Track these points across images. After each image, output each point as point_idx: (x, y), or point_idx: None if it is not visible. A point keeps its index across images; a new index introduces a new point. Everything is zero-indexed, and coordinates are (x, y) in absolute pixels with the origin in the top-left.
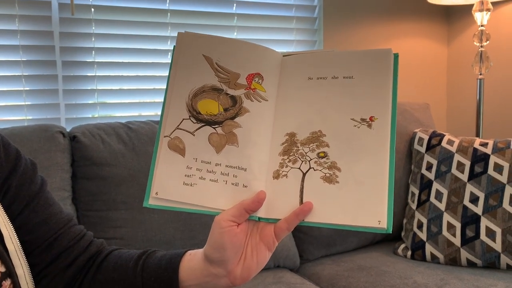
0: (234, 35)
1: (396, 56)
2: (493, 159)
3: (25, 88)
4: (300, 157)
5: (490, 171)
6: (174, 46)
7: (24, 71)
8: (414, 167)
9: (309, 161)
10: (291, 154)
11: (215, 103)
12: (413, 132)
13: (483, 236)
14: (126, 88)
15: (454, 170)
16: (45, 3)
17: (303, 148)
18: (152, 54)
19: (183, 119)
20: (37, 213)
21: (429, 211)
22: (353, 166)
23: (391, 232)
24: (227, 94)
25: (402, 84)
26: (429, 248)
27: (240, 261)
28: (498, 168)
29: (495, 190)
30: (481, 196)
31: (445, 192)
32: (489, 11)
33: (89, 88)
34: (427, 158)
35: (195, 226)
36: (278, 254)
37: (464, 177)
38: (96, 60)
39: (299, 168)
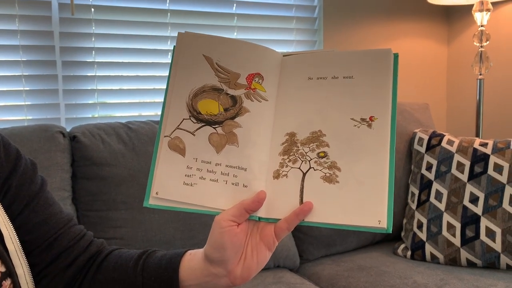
0: (234, 35)
1: (396, 56)
2: (493, 159)
3: (25, 88)
4: (300, 157)
5: (490, 171)
6: (174, 46)
7: (24, 71)
8: (414, 167)
9: (309, 161)
10: (291, 154)
11: (215, 103)
12: (413, 132)
13: (483, 236)
14: (126, 88)
15: (454, 170)
16: (45, 3)
17: (303, 148)
18: (152, 54)
19: (183, 119)
20: (37, 213)
21: (429, 211)
22: (353, 166)
23: (391, 232)
24: (227, 94)
25: (402, 84)
26: (429, 248)
27: (240, 261)
28: (498, 168)
29: (495, 190)
30: (481, 196)
31: (445, 192)
32: (489, 11)
33: (89, 88)
34: (427, 158)
35: (195, 226)
36: (278, 254)
37: (464, 177)
38: (96, 60)
39: (299, 168)
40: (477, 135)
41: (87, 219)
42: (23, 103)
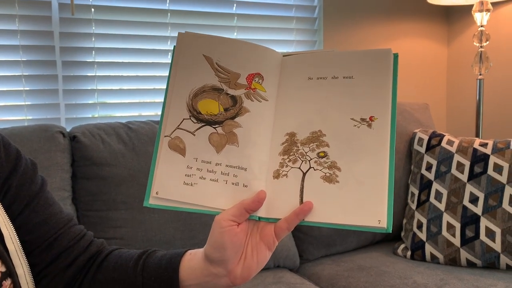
0: (234, 35)
1: (396, 56)
2: (492, 159)
3: (25, 88)
4: (300, 156)
5: (490, 171)
6: (174, 46)
7: (24, 71)
8: (414, 167)
9: (309, 160)
10: (291, 153)
11: (215, 103)
12: (413, 132)
13: (482, 236)
14: (126, 88)
15: (453, 170)
16: (45, 3)
17: (303, 148)
18: (152, 54)
19: (184, 119)
20: (37, 213)
21: (428, 211)
22: (353, 166)
23: (391, 232)
24: (227, 94)
25: (402, 84)
26: (428, 248)
27: (240, 261)
28: (498, 169)
29: (495, 190)
30: (481, 196)
31: (444, 192)
32: (489, 12)
33: (89, 88)
34: (427, 158)
35: (195, 226)
36: (278, 254)
37: (464, 177)
38: (96, 60)
39: (299, 168)
40: (477, 135)
41: (87, 219)
42: (23, 103)
